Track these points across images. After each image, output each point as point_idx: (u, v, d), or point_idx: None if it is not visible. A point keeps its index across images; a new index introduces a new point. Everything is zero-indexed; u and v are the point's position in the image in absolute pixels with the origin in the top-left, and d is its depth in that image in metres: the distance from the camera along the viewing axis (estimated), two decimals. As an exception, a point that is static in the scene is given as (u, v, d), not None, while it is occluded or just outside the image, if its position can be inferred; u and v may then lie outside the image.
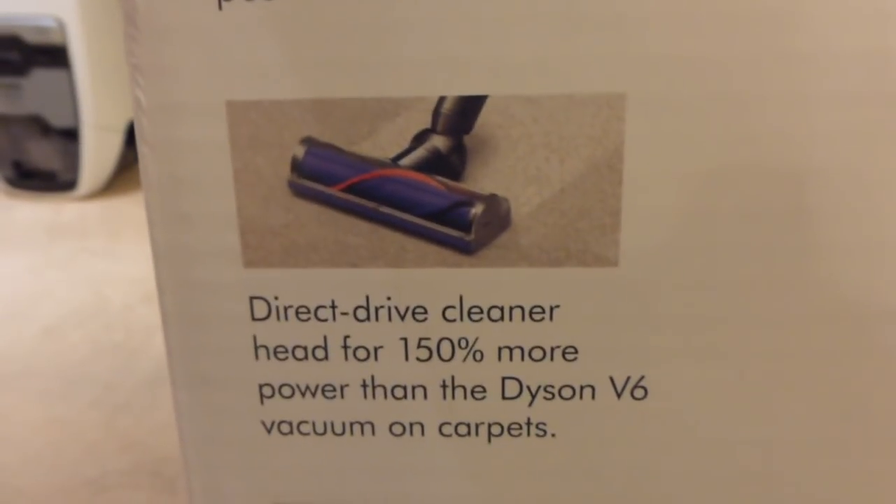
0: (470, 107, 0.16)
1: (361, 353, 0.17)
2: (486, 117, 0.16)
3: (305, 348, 0.18)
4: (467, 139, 0.16)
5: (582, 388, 0.18)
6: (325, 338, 0.17)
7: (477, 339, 0.17)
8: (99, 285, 0.47)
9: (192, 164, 0.16)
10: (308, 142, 0.16)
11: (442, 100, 0.16)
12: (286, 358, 0.18)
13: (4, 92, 0.55)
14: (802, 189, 0.16)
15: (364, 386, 0.18)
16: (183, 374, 0.18)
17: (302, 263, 0.17)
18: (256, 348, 0.18)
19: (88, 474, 0.31)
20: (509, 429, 0.18)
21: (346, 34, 0.16)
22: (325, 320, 0.17)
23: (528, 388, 0.18)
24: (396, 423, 0.18)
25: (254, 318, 0.17)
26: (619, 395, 0.18)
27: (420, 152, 0.16)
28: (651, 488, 0.18)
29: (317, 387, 0.18)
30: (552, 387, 0.18)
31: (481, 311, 0.17)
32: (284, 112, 0.16)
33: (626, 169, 0.16)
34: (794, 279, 0.17)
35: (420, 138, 0.16)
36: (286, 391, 0.18)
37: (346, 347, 0.17)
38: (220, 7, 0.16)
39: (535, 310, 0.17)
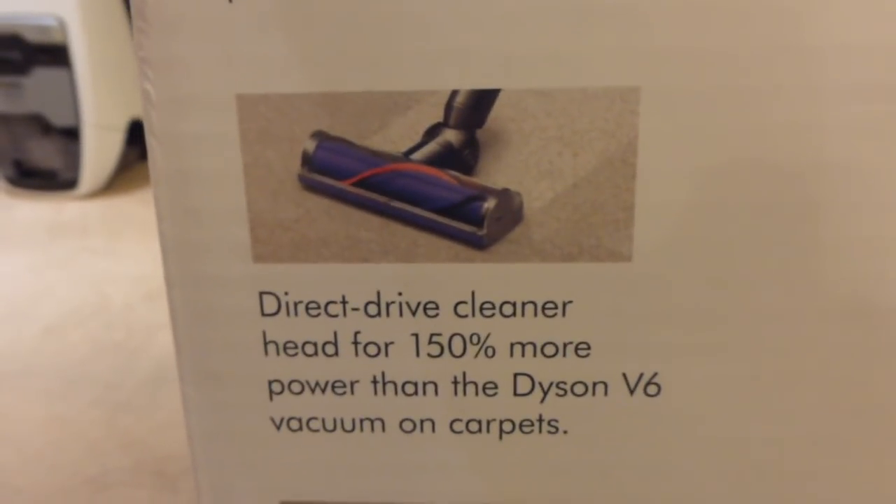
0: (482, 100, 0.16)
1: (372, 349, 0.17)
2: (498, 111, 0.16)
3: (315, 344, 0.17)
4: (480, 133, 0.16)
5: (594, 384, 0.17)
6: (335, 333, 0.17)
7: (489, 334, 0.17)
8: (100, 284, 0.47)
9: (201, 158, 0.16)
10: (319, 136, 0.16)
11: (454, 93, 0.16)
12: (296, 354, 0.17)
13: (5, 91, 0.55)
14: (815, 183, 0.16)
15: (374, 382, 0.18)
16: (191, 369, 0.18)
17: (312, 258, 0.17)
18: (266, 344, 0.17)
19: (89, 473, 0.31)
20: (521, 425, 0.18)
21: (358, 27, 0.15)
22: (336, 316, 0.17)
23: (540, 384, 0.17)
24: (407, 419, 0.18)
25: (263, 314, 0.17)
26: (631, 392, 0.17)
27: (432, 146, 0.16)
28: (663, 485, 0.18)
29: (327, 383, 0.18)
30: (564, 383, 0.17)
31: (493, 307, 0.17)
32: (295, 106, 0.16)
33: (639, 163, 0.16)
34: (807, 274, 0.16)
35: (432, 132, 0.16)
36: (296, 387, 0.18)
37: (356, 343, 0.17)
38: (230, 0, 0.15)
39: (548, 305, 0.17)
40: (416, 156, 0.16)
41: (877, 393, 0.17)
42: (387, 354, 0.17)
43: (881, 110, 0.16)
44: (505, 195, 0.16)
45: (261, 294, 0.17)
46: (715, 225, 0.16)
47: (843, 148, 0.16)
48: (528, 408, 0.18)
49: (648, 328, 0.17)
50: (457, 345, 0.17)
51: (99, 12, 0.55)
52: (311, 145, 0.16)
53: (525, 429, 0.18)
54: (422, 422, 0.18)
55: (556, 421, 0.18)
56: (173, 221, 0.17)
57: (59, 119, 0.56)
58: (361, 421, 0.18)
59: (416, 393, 0.18)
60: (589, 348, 0.17)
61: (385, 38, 0.15)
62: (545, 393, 0.17)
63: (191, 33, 0.16)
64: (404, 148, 0.16)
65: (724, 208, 0.16)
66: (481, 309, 0.17)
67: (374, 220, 0.17)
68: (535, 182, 0.16)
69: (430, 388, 0.18)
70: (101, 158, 0.58)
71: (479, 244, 0.17)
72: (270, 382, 0.18)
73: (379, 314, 0.17)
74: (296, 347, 0.17)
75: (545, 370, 0.17)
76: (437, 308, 0.17)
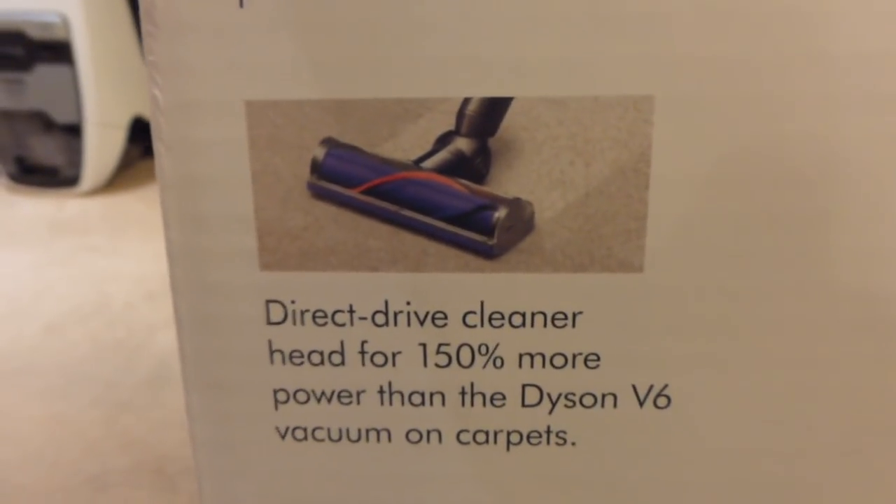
0: (495, 108, 0.16)
1: (379, 359, 0.17)
2: (510, 119, 0.16)
3: (322, 353, 0.17)
4: (491, 141, 0.16)
5: (604, 396, 0.17)
6: (342, 343, 0.17)
7: (497, 345, 0.17)
8: (101, 283, 0.47)
9: (209, 165, 0.16)
10: (328, 143, 0.16)
11: (466, 101, 0.16)
12: (302, 363, 0.17)
13: (8, 87, 0.55)
14: (829, 193, 0.16)
15: (381, 392, 0.17)
16: (196, 377, 0.18)
17: (320, 267, 0.17)
18: (272, 353, 0.17)
19: (89, 472, 0.31)
20: (528, 437, 0.18)
21: (369, 33, 0.15)
22: (343, 325, 0.17)
23: (549, 395, 0.17)
24: (413, 430, 0.18)
25: (269, 322, 0.17)
26: (641, 404, 0.17)
27: (443, 154, 0.16)
28: (672, 498, 0.18)
29: (333, 392, 0.18)
30: (573, 395, 0.17)
31: (502, 317, 0.17)
32: (304, 112, 0.16)
33: (652, 173, 0.16)
34: (819, 285, 0.16)
35: (443, 140, 0.16)
36: (301, 397, 0.18)
37: (363, 353, 0.17)
38: (241, 4, 0.15)
39: (558, 316, 0.17)
40: (427, 164, 0.16)
41: (889, 405, 0.17)
42: (394, 364, 0.17)
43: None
44: (516, 204, 0.16)
45: (267, 302, 0.17)
46: (727, 235, 0.16)
47: (857, 157, 0.16)
48: (537, 419, 0.17)
49: (659, 340, 0.17)
50: (465, 355, 0.17)
51: (102, 9, 0.55)
52: (320, 152, 0.16)
53: (533, 440, 0.18)
54: (428, 432, 0.18)
55: (565, 433, 0.18)
56: (180, 228, 0.17)
57: (61, 116, 0.56)
58: (367, 431, 0.18)
59: (423, 403, 0.17)
60: (599, 360, 0.17)
61: (396, 45, 0.15)
62: (553, 404, 0.17)
63: (200, 38, 0.16)
64: (415, 156, 0.16)
65: (737, 219, 0.16)
66: (490, 319, 0.17)
67: (383, 229, 0.16)
68: (547, 191, 0.16)
69: (437, 398, 0.17)
70: (103, 156, 0.58)
71: (489, 254, 0.16)
72: (276, 391, 0.18)
73: (386, 323, 0.17)
74: (302, 356, 0.17)
75: (554, 381, 0.17)
76: (445, 318, 0.17)
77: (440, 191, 0.16)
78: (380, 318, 0.17)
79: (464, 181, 0.16)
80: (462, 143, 0.16)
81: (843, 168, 0.16)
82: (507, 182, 0.16)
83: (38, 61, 0.55)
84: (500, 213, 0.16)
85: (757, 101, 0.15)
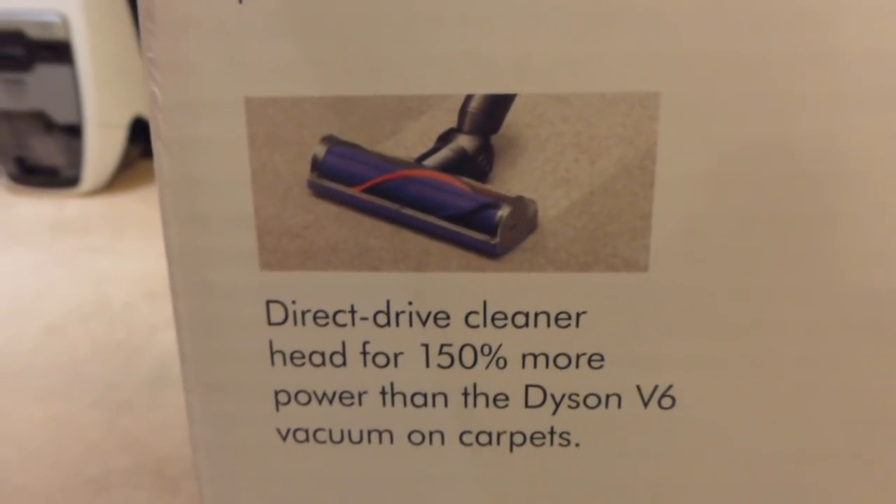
0: (497, 106, 0.15)
1: (381, 360, 0.17)
2: (514, 116, 0.16)
3: (323, 354, 0.17)
4: (494, 139, 0.16)
5: (608, 396, 0.17)
6: (343, 343, 0.17)
7: (500, 345, 0.17)
8: (101, 283, 0.47)
9: (208, 163, 0.16)
10: (329, 140, 0.16)
11: (469, 98, 0.15)
12: (303, 364, 0.17)
13: (8, 87, 0.55)
14: (836, 192, 0.16)
15: (383, 393, 0.17)
16: (196, 379, 0.17)
17: (321, 266, 0.17)
18: (272, 354, 0.17)
19: (90, 473, 0.31)
20: (532, 438, 0.17)
21: (370, 30, 0.15)
22: (344, 325, 0.17)
23: (553, 396, 0.17)
24: (416, 431, 0.18)
25: (270, 323, 0.17)
26: (645, 405, 0.17)
27: (445, 152, 0.16)
28: (677, 500, 0.18)
29: (334, 394, 0.17)
30: (577, 395, 0.17)
31: (505, 317, 0.17)
32: (305, 110, 0.16)
33: (658, 170, 0.16)
34: (826, 285, 0.16)
35: (445, 138, 0.16)
36: (302, 398, 0.17)
37: (365, 353, 0.17)
38: (240, 0, 0.15)
39: (561, 316, 0.17)
40: (429, 162, 0.16)
41: (894, 405, 0.17)
42: (396, 365, 0.17)
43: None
44: (519, 203, 0.16)
45: (268, 303, 0.17)
46: (733, 234, 0.16)
47: (863, 156, 0.15)
48: (540, 420, 0.17)
49: (664, 340, 0.17)
50: (467, 355, 0.17)
51: (102, 9, 0.55)
52: (320, 150, 0.16)
53: (536, 441, 0.17)
54: (431, 434, 0.18)
55: (568, 434, 0.17)
56: (179, 228, 0.16)
57: (61, 116, 0.56)
58: (369, 432, 0.18)
59: (425, 404, 0.17)
60: (603, 360, 0.17)
61: (398, 41, 0.15)
62: (557, 405, 0.17)
63: (199, 35, 0.15)
64: (417, 154, 0.16)
65: (743, 217, 0.16)
66: (493, 319, 0.17)
67: (385, 228, 0.16)
68: (551, 189, 0.16)
69: (439, 399, 0.17)
70: (104, 156, 0.58)
71: (492, 253, 0.16)
72: (277, 393, 0.17)
73: (388, 324, 0.17)
74: (303, 357, 0.17)
75: (557, 382, 0.17)
76: (447, 318, 0.17)
77: (442, 189, 0.16)
78: (381, 319, 0.17)
79: (466, 179, 0.16)
80: (464, 141, 0.16)
81: (849, 167, 0.15)
82: (511, 180, 0.16)
83: (38, 61, 0.55)
84: (503, 212, 0.16)
85: (763, 98, 0.15)
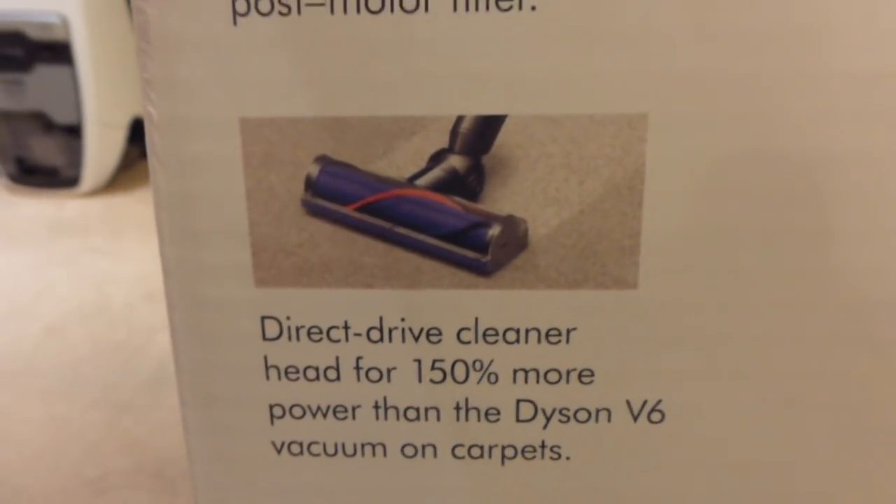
0: (488, 126, 0.16)
1: (374, 375, 0.17)
2: (504, 137, 0.16)
3: (317, 369, 0.17)
4: (485, 159, 0.16)
5: (598, 411, 0.17)
6: (337, 359, 0.17)
7: (492, 361, 0.17)
8: (101, 283, 0.47)
9: (204, 181, 0.16)
10: (322, 160, 0.16)
11: (460, 119, 0.16)
12: (297, 378, 0.17)
13: (7, 88, 0.55)
14: (826, 210, 0.16)
15: (376, 407, 0.17)
16: (192, 392, 0.18)
17: (315, 283, 0.17)
18: (267, 368, 0.17)
19: (89, 474, 0.31)
20: (523, 451, 0.18)
21: (363, 52, 0.15)
22: (338, 341, 0.17)
23: (543, 410, 0.17)
24: (409, 444, 0.18)
25: (265, 338, 0.17)
26: (635, 419, 0.17)
27: (437, 172, 0.16)
28: (667, 513, 0.18)
29: (328, 408, 0.18)
30: (567, 410, 0.17)
31: (497, 334, 0.17)
32: (299, 130, 0.16)
33: (646, 190, 0.16)
34: (816, 300, 0.16)
35: (437, 158, 0.16)
36: (297, 412, 0.18)
37: (358, 368, 0.17)
38: (234, 22, 0.15)
39: (552, 332, 0.17)
40: (421, 181, 0.16)
41: (884, 417, 0.17)
42: (389, 380, 0.17)
43: (893, 137, 0.15)
44: (510, 222, 0.16)
45: (262, 318, 0.17)
46: (722, 252, 0.16)
47: (854, 175, 0.16)
48: (531, 434, 0.18)
49: (653, 355, 0.17)
50: (459, 371, 0.17)
51: (102, 10, 0.55)
52: (314, 170, 0.16)
53: (527, 455, 0.18)
54: (423, 447, 0.18)
55: (559, 447, 0.18)
56: (175, 244, 0.17)
57: (61, 116, 0.56)
58: (363, 446, 0.18)
59: (418, 418, 0.17)
60: (592, 375, 0.17)
61: (391, 63, 0.15)
62: (548, 419, 0.17)
63: (195, 56, 0.16)
64: (409, 173, 0.16)
65: (731, 236, 0.16)
66: (484, 335, 0.17)
67: (378, 246, 0.16)
68: (541, 209, 0.16)
69: (432, 413, 0.17)
70: (103, 156, 0.58)
71: (483, 271, 0.16)
72: (271, 406, 0.18)
73: (381, 340, 0.17)
74: (297, 372, 0.17)
75: (548, 397, 0.17)
76: (439, 334, 0.17)
77: (434, 208, 0.16)
78: (374, 335, 0.17)
79: (458, 198, 0.16)
80: (456, 161, 0.16)
81: (837, 184, 0.16)
82: (501, 199, 0.16)
83: (37, 62, 0.55)
84: (494, 231, 0.16)
85: (751, 118, 0.15)
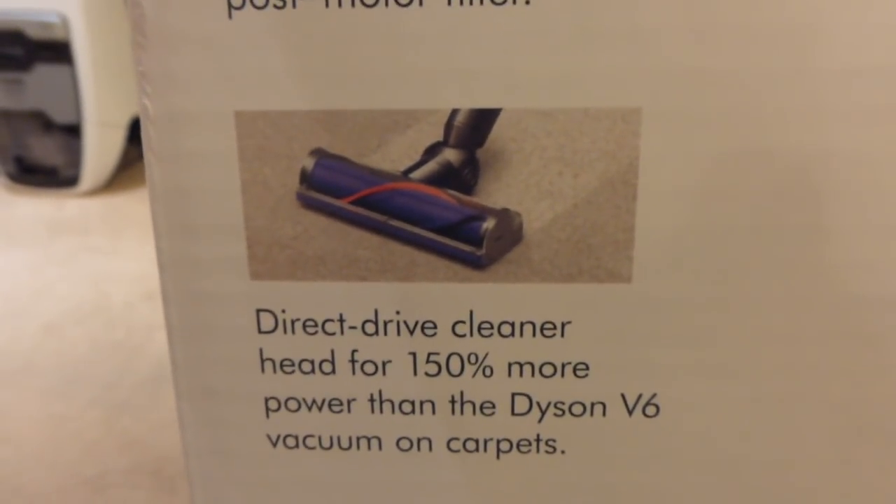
0: (483, 120, 0.16)
1: (369, 368, 0.17)
2: (499, 131, 0.16)
3: (312, 362, 0.17)
4: (480, 153, 0.16)
5: (593, 404, 0.17)
6: (332, 351, 0.17)
7: (487, 354, 0.17)
8: (100, 283, 0.47)
9: (199, 175, 0.16)
10: (317, 153, 0.16)
11: (454, 112, 0.16)
12: (293, 371, 0.17)
13: (7, 87, 0.55)
14: (820, 206, 0.16)
15: (371, 400, 0.18)
16: (188, 385, 0.18)
17: (310, 276, 0.17)
18: (263, 361, 0.17)
19: (88, 473, 0.31)
20: (518, 445, 0.18)
21: (358, 45, 0.15)
22: (333, 334, 0.17)
23: (538, 404, 0.17)
24: (404, 438, 0.18)
25: (260, 331, 0.17)
26: (630, 413, 0.17)
27: (431, 165, 0.16)
28: (661, 507, 0.18)
29: (323, 401, 0.18)
30: (562, 403, 0.17)
31: (491, 327, 0.17)
32: (294, 123, 0.16)
33: (640, 184, 0.16)
34: (811, 296, 0.16)
35: (432, 151, 0.16)
36: (292, 405, 0.18)
37: (353, 361, 0.17)
38: (229, 16, 0.15)
39: (547, 326, 0.17)
40: (416, 175, 0.16)
41: (882, 415, 0.17)
42: (384, 373, 0.17)
43: (887, 133, 0.15)
44: (504, 215, 0.16)
45: (258, 311, 0.17)
46: (716, 246, 0.16)
47: (848, 172, 0.16)
48: (526, 428, 0.18)
49: (647, 349, 0.17)
50: (454, 364, 0.17)
51: (101, 9, 0.55)
52: (309, 163, 0.16)
53: (522, 449, 0.18)
54: (419, 441, 0.18)
55: (554, 441, 0.18)
56: (170, 237, 0.17)
57: (60, 116, 0.56)
58: (358, 439, 0.18)
59: (413, 412, 0.18)
60: (587, 369, 0.17)
61: (385, 57, 0.15)
62: (543, 413, 0.17)
63: (190, 49, 0.16)
64: (403, 167, 0.16)
65: (725, 229, 0.16)
66: (479, 329, 0.17)
67: (373, 239, 0.16)
68: (535, 202, 0.16)
69: (427, 406, 0.17)
70: (103, 156, 0.58)
71: (477, 264, 0.16)
72: (267, 399, 0.18)
73: (376, 333, 0.17)
74: (293, 365, 0.17)
75: (543, 390, 0.17)
76: (434, 327, 0.17)
77: (429, 201, 0.16)
78: (370, 328, 0.17)
79: (452, 192, 0.16)
80: (450, 154, 0.16)
81: (830, 180, 0.16)
82: (496, 193, 0.16)
83: (37, 61, 0.54)
84: (489, 224, 0.16)
85: (745, 113, 0.15)
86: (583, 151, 0.16)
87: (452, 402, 0.17)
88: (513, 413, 0.17)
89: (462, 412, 0.17)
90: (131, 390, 0.37)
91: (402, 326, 0.17)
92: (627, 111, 0.15)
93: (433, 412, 0.17)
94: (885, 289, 0.16)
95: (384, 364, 0.17)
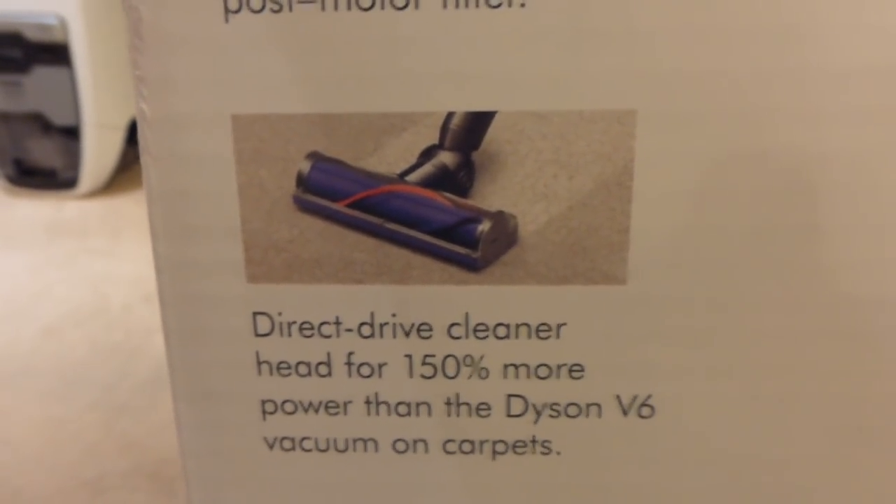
0: (478, 122, 0.16)
1: (365, 370, 0.17)
2: (494, 133, 0.16)
3: (309, 364, 0.17)
4: (475, 155, 0.16)
5: (588, 406, 0.17)
6: (328, 354, 0.17)
7: (482, 356, 0.17)
8: (99, 285, 0.47)
9: (196, 177, 0.16)
10: (314, 156, 0.16)
11: (450, 115, 0.16)
12: (289, 374, 0.17)
13: (5, 89, 0.55)
14: (816, 205, 0.16)
15: (368, 403, 0.18)
16: (184, 387, 0.18)
17: (306, 279, 0.17)
18: (259, 364, 0.17)
19: (87, 476, 0.31)
20: (514, 447, 0.18)
21: (354, 48, 0.15)
22: (329, 336, 0.17)
23: (534, 405, 0.17)
24: (400, 440, 0.18)
25: (257, 334, 0.17)
26: (625, 414, 0.17)
27: (427, 168, 0.16)
28: (657, 508, 0.18)
29: (320, 403, 0.18)
30: (558, 405, 0.17)
31: (487, 329, 0.17)
32: (290, 126, 0.16)
33: (635, 186, 0.16)
34: (806, 296, 0.16)
35: (427, 154, 0.16)
36: (289, 407, 0.18)
37: (349, 364, 0.17)
38: (226, 19, 0.15)
39: (542, 328, 0.17)
40: (411, 177, 0.16)
41: (878, 414, 0.17)
42: (380, 375, 0.17)
43: (880, 133, 0.15)
44: (500, 217, 0.16)
45: (254, 314, 0.17)
46: (711, 248, 0.16)
47: (842, 171, 0.16)
48: (522, 429, 0.18)
49: (642, 350, 0.17)
50: (450, 366, 0.17)
51: (100, 11, 0.55)
52: (305, 166, 0.16)
53: (518, 450, 0.18)
54: (415, 442, 0.18)
55: (550, 442, 0.18)
56: (167, 240, 0.17)
57: (59, 118, 0.56)
58: (354, 441, 0.18)
59: (409, 414, 0.18)
60: (583, 370, 0.17)
61: (381, 60, 0.15)
62: (538, 414, 0.17)
63: (186, 52, 0.16)
64: (399, 169, 0.16)
65: (720, 230, 0.16)
66: (475, 331, 0.17)
67: (369, 242, 0.17)
68: (531, 204, 0.16)
69: (423, 408, 0.18)
70: (102, 158, 0.58)
71: (473, 266, 0.16)
72: (263, 402, 0.18)
73: (372, 335, 0.17)
74: (289, 368, 0.17)
75: (538, 392, 0.17)
76: (430, 329, 0.17)
77: (424, 204, 0.16)
78: (366, 330, 0.17)
79: (448, 194, 0.16)
80: (446, 157, 0.16)
81: (824, 181, 0.16)
82: (491, 195, 0.16)
83: (35, 63, 0.54)
84: (484, 226, 0.16)
85: (739, 114, 0.15)
86: (578, 154, 0.16)
87: (448, 403, 0.17)
88: (508, 414, 0.17)
89: (458, 414, 0.18)
90: (130, 392, 0.37)
91: (398, 329, 0.17)
92: (622, 113, 0.15)
93: (429, 414, 0.18)
94: (880, 288, 0.16)
95: (380, 366, 0.17)
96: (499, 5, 0.15)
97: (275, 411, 0.18)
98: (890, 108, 0.15)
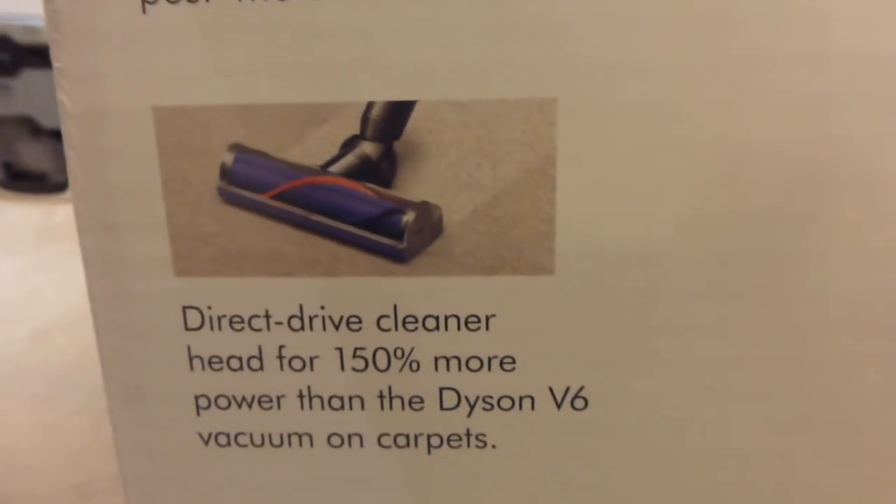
0: (399, 112, 0.16)
1: (297, 364, 0.17)
2: (415, 123, 0.16)
3: (240, 358, 0.17)
4: (397, 145, 0.16)
5: (521, 398, 0.17)
6: (259, 348, 0.17)
7: (413, 348, 0.17)
8: (87, 288, 0.47)
9: (119, 172, 0.16)
10: (236, 148, 0.16)
11: (370, 105, 0.16)
12: (221, 368, 0.17)
13: (-6, 93, 0.55)
14: (741, 194, 0.16)
15: (301, 396, 0.17)
16: (117, 385, 0.18)
17: (234, 272, 0.17)
18: (191, 359, 0.17)
19: (75, 480, 0.31)
20: (449, 440, 0.18)
21: (273, 39, 0.15)
22: (260, 330, 0.17)
23: (467, 398, 0.17)
24: (335, 434, 0.18)
25: (187, 328, 0.17)
26: (559, 406, 0.17)
27: (350, 159, 0.16)
28: (594, 500, 0.18)
29: (253, 398, 0.18)
30: (491, 397, 0.17)
31: (416, 321, 0.17)
32: (212, 118, 0.16)
33: (559, 175, 0.16)
34: (735, 287, 0.16)
35: (349, 144, 0.16)
36: (222, 402, 0.18)
37: (281, 357, 0.17)
38: (143, 10, 0.15)
39: (471, 319, 0.17)
40: (334, 168, 0.16)
41: (806, 405, 0.17)
42: (312, 368, 0.17)
43: (803, 120, 0.15)
44: (424, 208, 0.16)
45: (184, 308, 0.17)
46: (637, 236, 0.16)
47: (767, 158, 0.15)
48: (456, 422, 0.17)
49: (573, 342, 0.17)
50: (381, 359, 0.17)
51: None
52: (228, 158, 0.16)
53: (453, 443, 0.18)
54: (350, 436, 0.18)
55: (484, 435, 0.17)
56: (94, 236, 0.17)
57: (48, 121, 0.56)
58: (289, 436, 0.18)
59: (342, 407, 0.17)
60: (514, 362, 0.17)
61: (299, 50, 0.15)
62: (472, 407, 0.17)
63: (105, 45, 0.16)
64: (322, 160, 0.16)
65: (646, 220, 0.16)
66: (404, 323, 0.17)
67: (295, 234, 0.16)
68: (455, 194, 0.16)
69: (356, 402, 0.17)
70: (92, 161, 0.58)
71: (399, 257, 0.16)
72: (197, 397, 0.18)
73: (302, 328, 0.17)
74: (221, 362, 0.17)
75: (471, 384, 0.17)
76: (359, 322, 0.17)
77: (348, 195, 0.16)
78: (296, 323, 0.17)
79: (371, 185, 0.16)
80: (368, 147, 0.16)
81: (750, 168, 0.16)
82: (414, 185, 0.16)
83: (24, 66, 0.55)
84: (409, 217, 0.16)
85: (660, 103, 0.15)
86: (500, 143, 0.16)
87: (381, 397, 0.17)
88: (441, 408, 0.17)
89: (391, 407, 0.17)
90: (117, 395, 0.36)
91: (328, 321, 0.17)
92: (543, 102, 0.15)
93: (362, 407, 0.17)
94: (814, 279, 0.16)
95: (311, 360, 0.17)
96: (418, -7, 0.15)
97: (209, 406, 0.18)
98: (813, 94, 0.15)
